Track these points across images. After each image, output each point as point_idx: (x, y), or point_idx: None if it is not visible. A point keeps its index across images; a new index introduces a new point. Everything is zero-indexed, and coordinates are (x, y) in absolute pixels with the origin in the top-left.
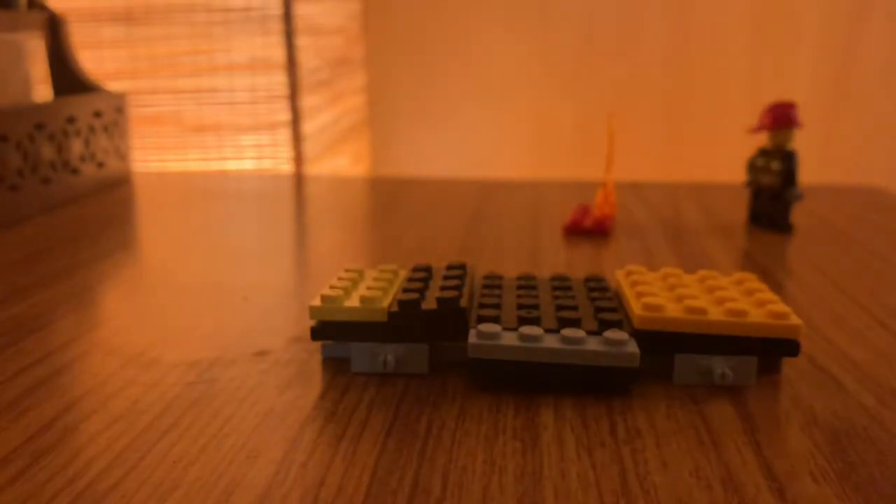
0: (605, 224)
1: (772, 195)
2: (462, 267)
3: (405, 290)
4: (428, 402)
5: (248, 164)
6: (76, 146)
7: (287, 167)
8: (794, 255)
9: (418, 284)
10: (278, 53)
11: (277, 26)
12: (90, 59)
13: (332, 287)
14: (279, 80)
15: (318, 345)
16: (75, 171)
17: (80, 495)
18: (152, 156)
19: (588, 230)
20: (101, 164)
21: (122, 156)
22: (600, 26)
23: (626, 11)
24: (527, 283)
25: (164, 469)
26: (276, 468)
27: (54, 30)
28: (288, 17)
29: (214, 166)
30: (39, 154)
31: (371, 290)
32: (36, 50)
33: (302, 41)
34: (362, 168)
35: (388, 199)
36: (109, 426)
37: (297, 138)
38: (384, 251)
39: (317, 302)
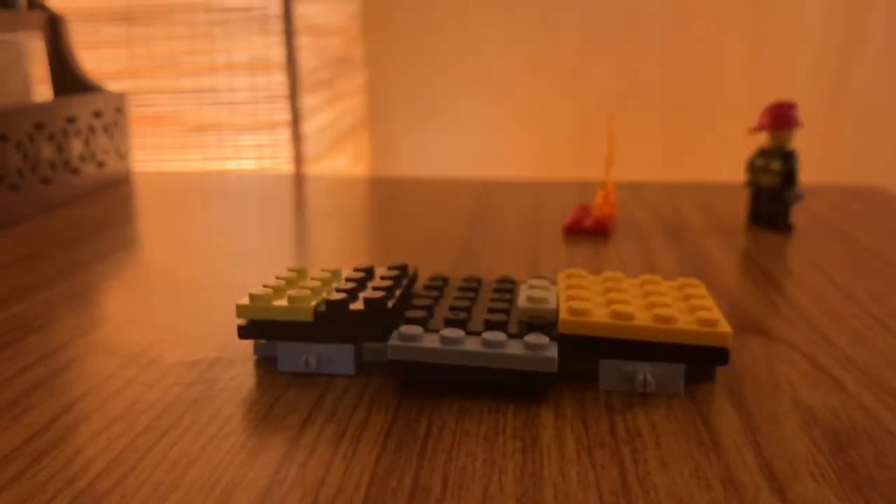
0: (605, 224)
1: (772, 195)
2: (402, 268)
3: (337, 290)
4: (428, 402)
5: (248, 164)
6: (76, 146)
7: (287, 167)
8: (794, 255)
9: (352, 285)
10: (278, 53)
11: (277, 26)
12: (90, 59)
13: (265, 286)
14: (279, 80)
15: None
16: (75, 171)
17: (80, 495)
18: (152, 156)
19: (588, 230)
20: (101, 164)
21: (122, 156)
22: (600, 26)
23: (625, 11)
24: (467, 286)
25: (164, 469)
26: (276, 468)
27: (54, 30)
28: (288, 17)
29: (214, 166)
30: (39, 154)
31: (301, 290)
32: (36, 50)
33: (302, 41)
34: (362, 168)
35: (388, 199)
36: (109, 426)
37: (297, 138)
38: (384, 251)
39: (245, 301)
